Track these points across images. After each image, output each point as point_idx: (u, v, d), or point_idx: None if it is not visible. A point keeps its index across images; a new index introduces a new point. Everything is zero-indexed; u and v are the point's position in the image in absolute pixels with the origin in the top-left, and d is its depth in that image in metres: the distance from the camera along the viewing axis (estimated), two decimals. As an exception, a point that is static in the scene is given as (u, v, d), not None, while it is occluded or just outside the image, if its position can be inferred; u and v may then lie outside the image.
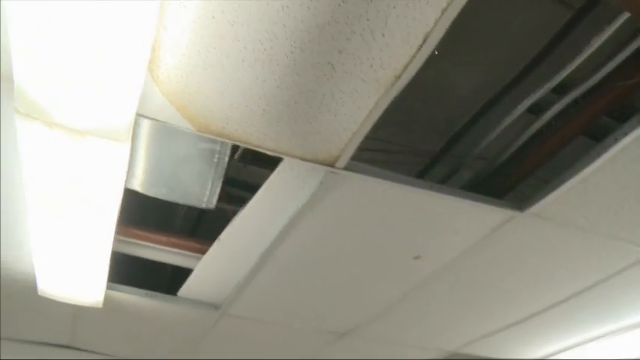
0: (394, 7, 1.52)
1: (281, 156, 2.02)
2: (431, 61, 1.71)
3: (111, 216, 2.16)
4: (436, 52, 1.65)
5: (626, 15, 1.79)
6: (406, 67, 1.66)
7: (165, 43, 1.59)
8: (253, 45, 1.61)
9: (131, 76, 1.54)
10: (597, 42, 1.88)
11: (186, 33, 1.56)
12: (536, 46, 2.29)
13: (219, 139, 1.93)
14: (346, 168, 2.08)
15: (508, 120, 2.24)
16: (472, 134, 2.49)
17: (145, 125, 1.98)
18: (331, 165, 2.05)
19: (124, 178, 1.99)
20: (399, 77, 1.69)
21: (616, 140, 2.04)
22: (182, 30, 1.55)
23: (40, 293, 2.90)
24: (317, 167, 2.06)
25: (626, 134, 2.01)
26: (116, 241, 2.41)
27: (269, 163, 2.19)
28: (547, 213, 2.36)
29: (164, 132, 2.03)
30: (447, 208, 2.33)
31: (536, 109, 2.21)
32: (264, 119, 1.85)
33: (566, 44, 2.25)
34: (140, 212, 2.65)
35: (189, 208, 2.83)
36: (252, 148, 1.97)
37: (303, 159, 2.01)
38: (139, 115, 1.84)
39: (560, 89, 2.11)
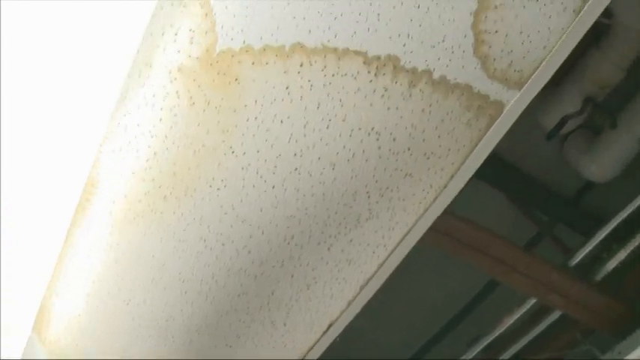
0: (296, 301, 1.48)
1: None
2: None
3: None
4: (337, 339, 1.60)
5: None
6: (311, 348, 1.60)
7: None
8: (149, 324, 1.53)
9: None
10: (508, 321, 1.89)
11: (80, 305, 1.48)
12: (453, 309, 2.30)
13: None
14: None
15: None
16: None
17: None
18: None
19: None
20: (304, 357, 1.62)
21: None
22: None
23: None
24: None
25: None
26: None
27: None
28: None
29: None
30: None
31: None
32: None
33: (484, 305, 2.26)
34: None
35: None
36: None
37: None
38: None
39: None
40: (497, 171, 2.39)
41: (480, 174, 1.23)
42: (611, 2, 1.11)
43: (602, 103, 2.08)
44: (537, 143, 2.25)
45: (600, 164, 2.13)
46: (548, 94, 2.07)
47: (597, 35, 1.94)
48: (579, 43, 1.11)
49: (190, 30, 1.03)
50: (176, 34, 1.04)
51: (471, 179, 1.22)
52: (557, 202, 2.60)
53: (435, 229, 1.32)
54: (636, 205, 2.04)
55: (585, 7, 1.07)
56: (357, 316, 1.86)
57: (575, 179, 2.38)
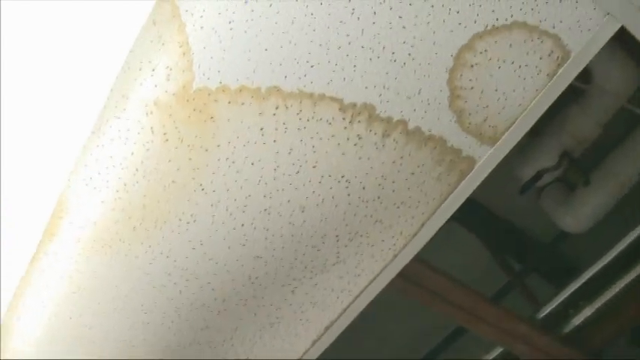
0: (260, 337, 1.47)
1: None
2: None
3: None
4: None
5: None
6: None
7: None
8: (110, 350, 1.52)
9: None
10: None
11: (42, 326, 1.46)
12: (421, 351, 2.29)
13: None
14: None
15: None
16: None
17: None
18: None
19: None
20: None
21: None
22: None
23: None
24: None
25: None
26: None
27: None
28: None
29: None
30: None
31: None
32: None
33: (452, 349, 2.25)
34: None
35: None
36: None
37: None
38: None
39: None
40: (472, 214, 2.41)
41: (454, 216, 1.24)
42: (590, 64, 1.13)
43: (579, 157, 2.10)
44: (515, 189, 2.27)
45: (575, 217, 2.16)
46: (525, 145, 2.09)
47: (578, 91, 1.97)
48: (560, 97, 1.13)
49: (167, 67, 1.03)
50: (154, 70, 1.04)
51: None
52: (531, 250, 2.61)
53: (401, 274, 1.32)
54: (605, 262, 2.06)
55: (559, 72, 1.09)
56: (323, 352, 1.85)
57: (551, 227, 2.39)
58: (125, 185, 1.15)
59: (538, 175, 2.04)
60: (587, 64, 1.11)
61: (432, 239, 1.27)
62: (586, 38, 1.08)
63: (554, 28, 1.05)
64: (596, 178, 2.09)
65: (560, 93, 1.11)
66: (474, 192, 1.20)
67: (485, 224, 2.52)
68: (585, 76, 1.89)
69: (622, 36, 1.09)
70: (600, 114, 1.95)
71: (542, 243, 2.71)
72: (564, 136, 2.00)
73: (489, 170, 1.17)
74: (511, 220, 2.62)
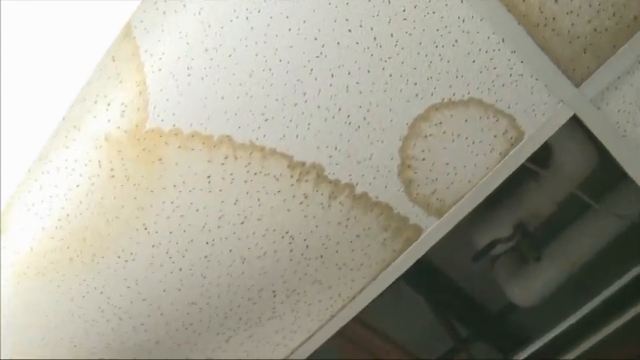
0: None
1: None
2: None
3: None
4: None
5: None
6: None
7: None
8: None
9: None
10: None
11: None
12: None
13: None
14: None
15: None
16: None
17: None
18: None
19: None
20: None
21: None
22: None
23: None
24: None
25: None
26: None
27: None
28: None
29: None
30: None
31: None
32: None
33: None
34: None
35: None
36: None
37: None
38: None
39: None
40: (421, 275, 2.40)
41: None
42: (551, 142, 1.14)
43: (534, 231, 2.12)
44: (468, 254, 2.27)
45: (524, 289, 2.16)
46: (481, 213, 2.10)
47: (537, 166, 1.99)
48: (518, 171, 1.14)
49: (123, 104, 1.02)
50: (109, 105, 1.04)
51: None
52: (481, 317, 2.60)
53: (338, 332, 1.30)
54: (549, 338, 2.06)
55: (511, 152, 1.10)
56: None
57: (502, 296, 2.39)
58: (68, 216, 1.12)
59: (492, 244, 2.04)
60: (548, 142, 1.12)
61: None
62: (540, 122, 1.10)
63: (509, 108, 1.07)
64: (547, 254, 2.11)
65: (511, 173, 1.12)
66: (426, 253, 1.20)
67: (434, 286, 2.51)
68: (545, 153, 1.91)
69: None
70: (557, 192, 1.98)
71: (492, 311, 2.70)
72: (520, 208, 2.01)
73: (436, 240, 1.18)
74: (462, 284, 2.62)
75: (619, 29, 1.01)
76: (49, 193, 1.11)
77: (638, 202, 1.69)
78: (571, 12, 0.99)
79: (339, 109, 1.01)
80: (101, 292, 1.19)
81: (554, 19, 0.99)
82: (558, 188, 1.83)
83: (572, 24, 1.00)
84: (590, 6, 0.98)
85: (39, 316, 1.31)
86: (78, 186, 1.08)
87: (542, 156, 1.80)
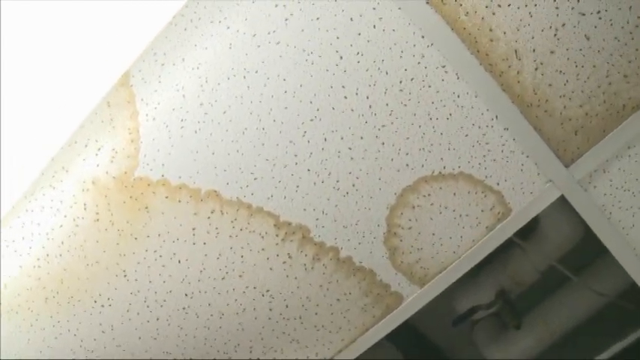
0: None
1: None
2: None
3: None
4: None
5: None
6: None
7: None
8: None
9: None
10: None
11: None
12: None
13: None
14: None
15: None
16: None
17: None
18: None
19: None
20: None
21: None
22: None
23: None
24: None
25: None
26: None
27: None
28: None
29: None
30: None
31: None
32: None
33: None
34: None
35: None
36: None
37: None
38: None
39: None
40: (401, 333, 2.38)
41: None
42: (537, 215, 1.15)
43: (516, 298, 2.11)
44: (449, 318, 2.26)
45: (503, 355, 2.15)
46: (464, 278, 2.10)
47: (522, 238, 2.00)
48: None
49: (114, 150, 1.02)
50: (99, 149, 1.03)
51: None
52: (457, 379, 2.58)
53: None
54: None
55: (498, 227, 1.10)
56: None
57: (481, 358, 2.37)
58: (47, 256, 1.11)
59: (473, 310, 2.03)
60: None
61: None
62: (528, 200, 1.10)
63: (498, 185, 1.08)
64: (528, 322, 2.10)
65: (496, 247, 1.12)
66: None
67: (413, 346, 2.49)
68: (531, 224, 1.92)
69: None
70: (540, 261, 1.98)
71: (469, 373, 2.68)
72: (503, 275, 2.01)
73: (417, 308, 1.17)
74: (441, 346, 2.60)
75: (609, 115, 1.03)
76: (31, 231, 1.10)
77: (617, 281, 1.69)
78: (564, 95, 1.00)
79: (329, 174, 1.02)
80: (74, 335, 1.17)
81: (547, 100, 1.01)
82: (542, 258, 1.83)
83: (565, 107, 1.01)
84: (582, 92, 1.00)
85: (8, 354, 1.28)
86: (61, 226, 1.07)
87: (528, 227, 1.81)
